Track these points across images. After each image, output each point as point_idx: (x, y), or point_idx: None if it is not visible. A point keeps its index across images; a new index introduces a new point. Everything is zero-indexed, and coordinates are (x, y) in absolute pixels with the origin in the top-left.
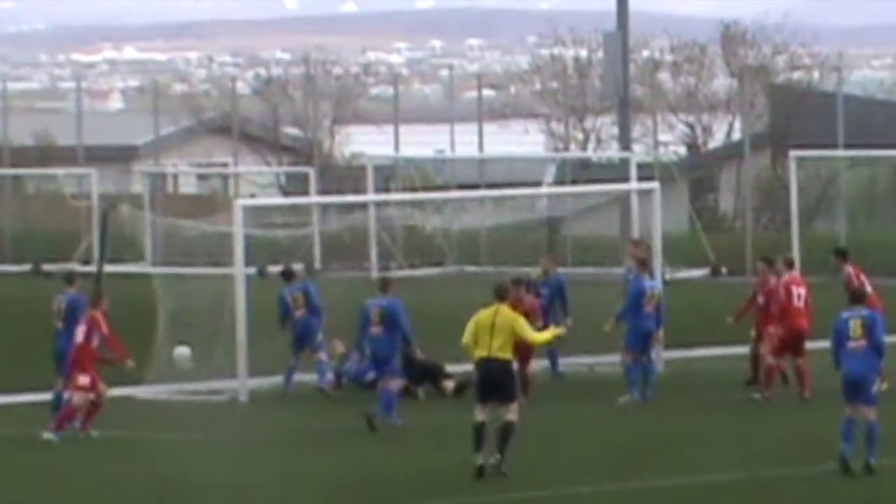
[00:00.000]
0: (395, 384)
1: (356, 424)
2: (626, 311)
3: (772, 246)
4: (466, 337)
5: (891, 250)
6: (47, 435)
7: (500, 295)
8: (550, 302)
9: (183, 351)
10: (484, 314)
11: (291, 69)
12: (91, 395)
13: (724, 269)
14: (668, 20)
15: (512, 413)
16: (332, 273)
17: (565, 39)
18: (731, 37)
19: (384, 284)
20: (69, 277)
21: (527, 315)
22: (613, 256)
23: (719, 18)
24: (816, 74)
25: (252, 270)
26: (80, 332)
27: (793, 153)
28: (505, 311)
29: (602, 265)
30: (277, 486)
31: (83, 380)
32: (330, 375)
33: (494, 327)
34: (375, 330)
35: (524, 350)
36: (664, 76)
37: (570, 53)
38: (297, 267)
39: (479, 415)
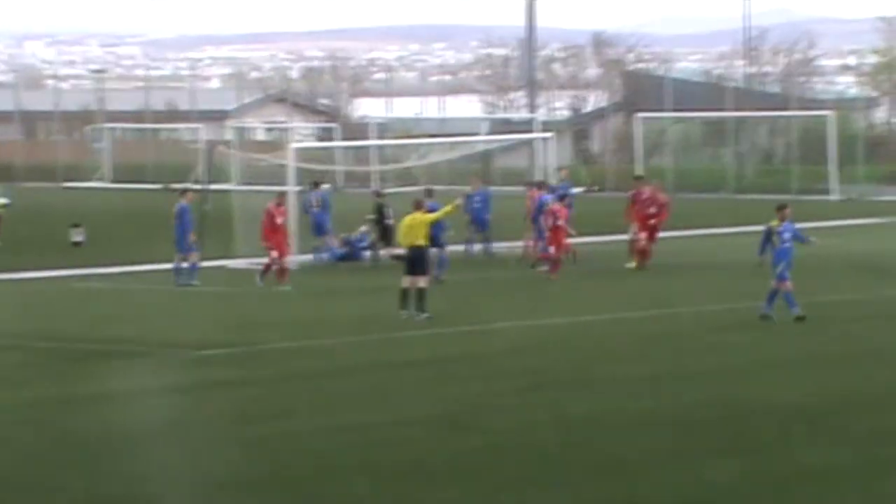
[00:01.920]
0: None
1: (362, 282)
2: (535, 215)
3: (624, 174)
4: (399, 236)
5: (699, 176)
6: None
7: (417, 206)
8: (483, 206)
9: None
10: (408, 219)
11: (325, 62)
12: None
13: (595, 187)
14: (559, 31)
15: (423, 282)
16: (349, 189)
17: (495, 43)
18: (600, 41)
19: (429, 193)
20: (183, 192)
21: (556, 214)
22: (522, 180)
23: (592, 30)
24: (653, 65)
25: (300, 188)
26: (266, 215)
27: (638, 115)
28: (419, 215)
29: (516, 185)
30: (312, 322)
31: (274, 253)
32: (326, 255)
33: (413, 226)
34: None
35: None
36: (557, 66)
37: (498, 52)
38: (326, 187)
39: (405, 283)
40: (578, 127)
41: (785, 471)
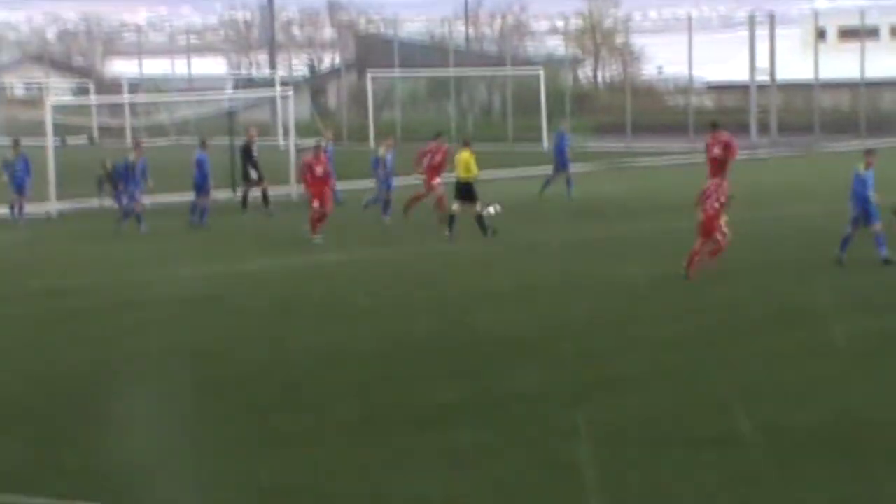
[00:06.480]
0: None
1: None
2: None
3: (360, 126)
4: (457, 169)
5: (425, 128)
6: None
7: (465, 143)
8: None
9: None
10: (463, 154)
11: (80, 25)
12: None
13: (332, 138)
14: None
15: (477, 207)
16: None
17: (237, 7)
18: (334, 5)
19: (203, 144)
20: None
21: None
22: (267, 133)
23: None
24: (382, 27)
25: (58, 141)
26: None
27: (370, 73)
28: (467, 153)
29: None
30: (75, 264)
31: (315, 203)
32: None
33: (464, 161)
34: None
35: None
36: (295, 29)
37: (241, 16)
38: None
39: (454, 207)
40: (316, 84)
41: (501, 392)
